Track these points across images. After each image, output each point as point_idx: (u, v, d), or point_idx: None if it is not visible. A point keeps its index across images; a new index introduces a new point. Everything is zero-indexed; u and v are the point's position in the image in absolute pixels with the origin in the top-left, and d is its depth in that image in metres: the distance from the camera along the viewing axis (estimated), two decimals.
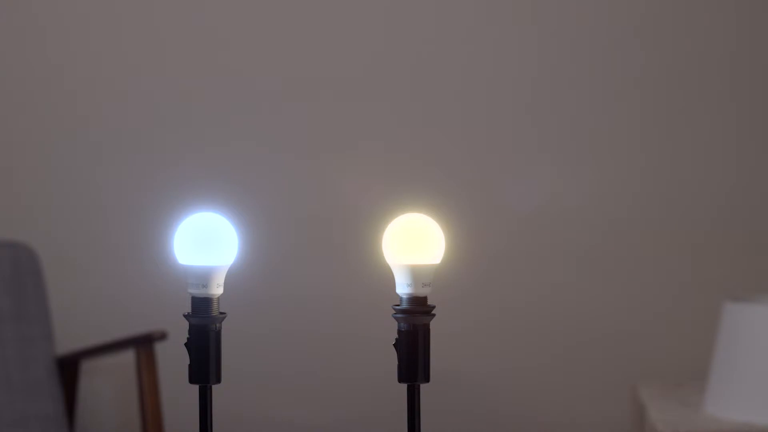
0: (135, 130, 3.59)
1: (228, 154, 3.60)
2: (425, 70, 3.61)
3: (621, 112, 3.55)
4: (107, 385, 3.61)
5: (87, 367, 3.50)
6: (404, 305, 1.51)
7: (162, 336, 3.14)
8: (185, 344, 1.50)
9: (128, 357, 3.41)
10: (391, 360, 1.50)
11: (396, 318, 1.51)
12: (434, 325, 1.51)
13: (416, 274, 1.50)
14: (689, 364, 3.51)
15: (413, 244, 1.50)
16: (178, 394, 3.16)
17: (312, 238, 3.61)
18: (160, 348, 3.19)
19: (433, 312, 1.51)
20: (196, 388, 1.51)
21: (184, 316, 1.50)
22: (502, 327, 3.60)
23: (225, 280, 1.51)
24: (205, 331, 1.49)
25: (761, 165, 3.58)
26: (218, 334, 1.50)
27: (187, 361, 1.50)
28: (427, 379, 1.51)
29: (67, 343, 3.43)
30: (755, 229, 3.54)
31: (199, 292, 1.49)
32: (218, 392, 1.56)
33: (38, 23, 3.57)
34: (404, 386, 1.52)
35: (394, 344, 1.51)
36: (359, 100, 3.61)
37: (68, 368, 3.30)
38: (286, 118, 3.61)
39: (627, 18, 3.59)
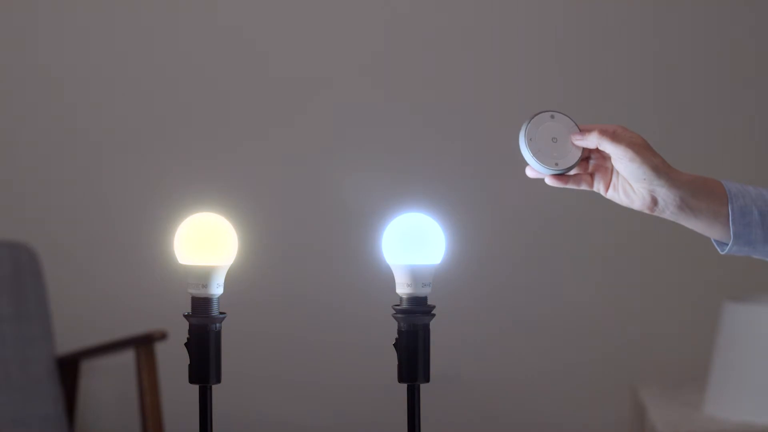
0: (135, 131, 3.59)
1: (228, 154, 3.60)
2: (426, 71, 3.61)
3: (622, 112, 3.55)
4: (107, 385, 3.61)
5: (87, 367, 3.50)
6: (404, 305, 1.50)
7: (162, 336, 3.14)
8: (185, 344, 1.50)
9: (128, 357, 3.41)
10: (391, 360, 1.50)
11: (396, 318, 1.51)
12: (434, 325, 1.51)
13: (416, 274, 1.50)
14: (689, 364, 3.51)
15: (413, 244, 1.50)
16: (178, 394, 3.16)
17: (312, 238, 3.60)
18: (160, 348, 3.19)
19: (433, 312, 1.51)
20: (196, 388, 1.50)
21: (184, 316, 1.50)
22: (501, 327, 3.60)
23: (225, 280, 1.51)
24: (205, 331, 1.49)
25: (761, 164, 3.58)
26: (218, 334, 1.50)
27: (187, 361, 1.50)
28: (427, 379, 1.50)
29: (67, 343, 3.43)
30: None
31: (199, 292, 1.49)
32: (218, 392, 1.56)
33: (38, 24, 3.57)
34: (404, 386, 1.51)
35: (394, 344, 1.51)
36: (359, 100, 3.61)
37: (68, 368, 3.30)
38: (286, 119, 3.61)
39: (628, 17, 3.60)
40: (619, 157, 1.46)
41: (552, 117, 1.52)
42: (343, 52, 3.61)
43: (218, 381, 1.51)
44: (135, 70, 3.59)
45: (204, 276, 1.49)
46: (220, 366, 1.51)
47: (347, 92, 3.61)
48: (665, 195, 1.47)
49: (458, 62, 3.61)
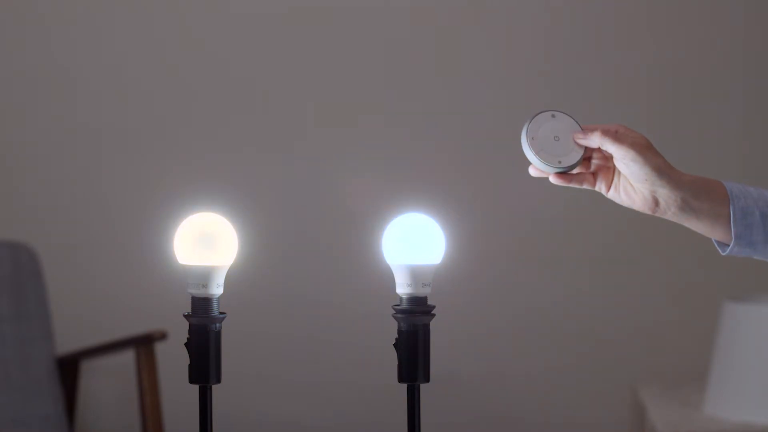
0: (135, 130, 3.59)
1: (228, 155, 3.60)
2: (426, 71, 3.61)
3: (624, 112, 3.55)
4: (107, 385, 3.61)
5: (87, 367, 3.50)
6: (404, 305, 1.50)
7: (162, 336, 3.14)
8: (185, 344, 1.50)
9: (128, 357, 3.41)
10: (391, 360, 1.50)
11: (396, 318, 1.51)
12: (434, 325, 1.51)
13: (416, 274, 1.50)
14: (689, 364, 3.51)
15: (413, 244, 1.50)
16: (178, 394, 3.16)
17: (312, 238, 3.60)
18: (160, 348, 3.19)
19: (433, 312, 1.51)
20: (196, 388, 1.50)
21: (184, 316, 1.50)
22: (502, 327, 3.60)
23: (225, 280, 1.51)
24: (205, 331, 1.49)
25: (762, 164, 3.58)
26: (218, 334, 1.50)
27: (187, 361, 1.50)
28: (427, 379, 1.51)
29: (67, 343, 3.43)
30: None
31: (199, 292, 1.49)
32: (218, 392, 1.56)
33: (40, 24, 3.57)
34: (404, 386, 1.51)
35: (394, 344, 1.51)
36: (359, 100, 3.61)
37: (68, 368, 3.30)
38: (286, 119, 3.61)
39: (628, 17, 3.59)
40: (621, 158, 1.46)
41: (553, 116, 1.52)
42: (344, 52, 3.61)
43: (218, 381, 1.51)
44: (135, 70, 3.59)
45: (204, 276, 1.49)
46: (220, 366, 1.51)
47: (347, 92, 3.61)
48: (667, 196, 1.47)
49: (458, 62, 3.61)
